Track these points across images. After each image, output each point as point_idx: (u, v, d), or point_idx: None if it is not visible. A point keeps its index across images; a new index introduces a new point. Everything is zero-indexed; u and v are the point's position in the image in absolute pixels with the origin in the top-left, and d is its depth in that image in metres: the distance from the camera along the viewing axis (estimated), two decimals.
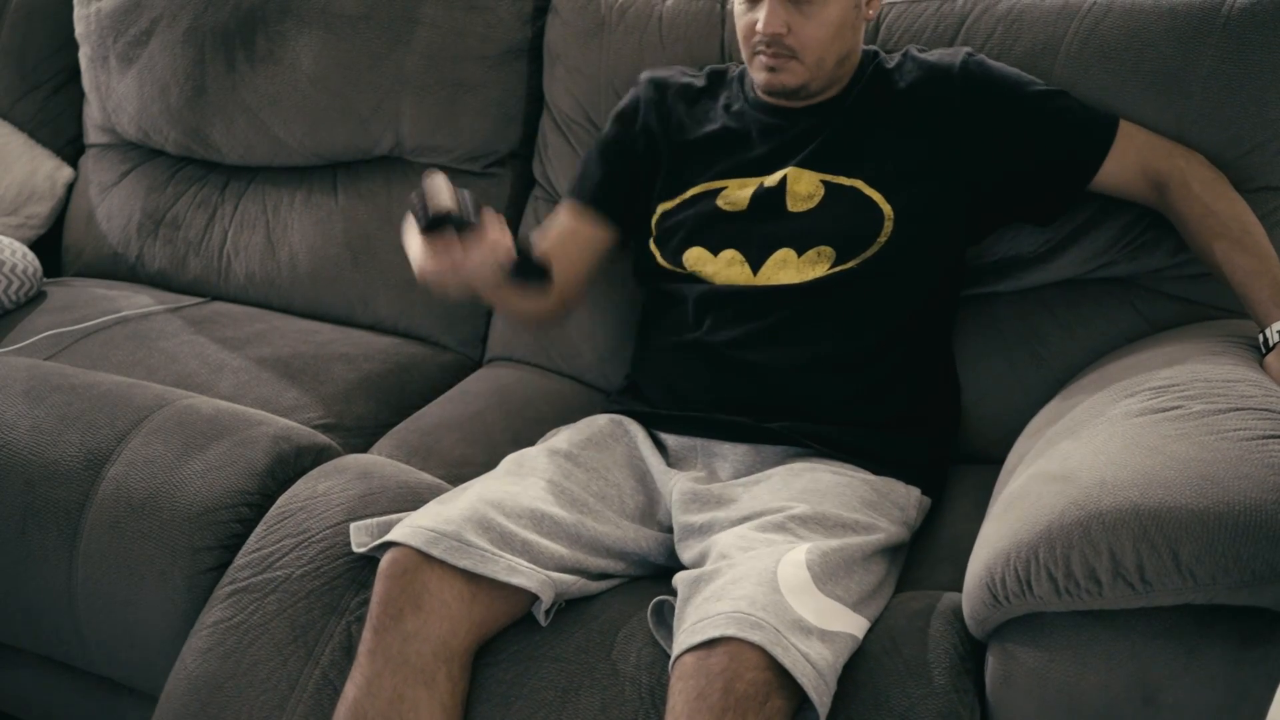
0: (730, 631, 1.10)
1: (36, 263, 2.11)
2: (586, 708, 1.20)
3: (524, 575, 1.24)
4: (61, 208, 2.34)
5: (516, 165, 2.00)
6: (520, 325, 1.89)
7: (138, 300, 2.08)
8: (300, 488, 1.47)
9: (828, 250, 1.48)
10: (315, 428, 1.69)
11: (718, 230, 1.54)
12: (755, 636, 1.10)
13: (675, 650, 1.14)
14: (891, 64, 1.57)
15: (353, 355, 1.87)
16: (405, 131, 2.01)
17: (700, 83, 1.66)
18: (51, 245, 2.31)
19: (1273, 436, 1.08)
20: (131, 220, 2.24)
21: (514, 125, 1.98)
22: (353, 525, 1.36)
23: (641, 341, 1.64)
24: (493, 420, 1.68)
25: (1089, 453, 1.14)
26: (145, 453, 1.53)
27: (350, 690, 1.21)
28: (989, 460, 1.51)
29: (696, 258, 1.55)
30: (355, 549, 1.34)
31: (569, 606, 1.29)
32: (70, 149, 2.38)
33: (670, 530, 1.37)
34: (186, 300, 2.12)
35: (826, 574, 1.20)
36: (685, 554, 1.32)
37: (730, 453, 1.44)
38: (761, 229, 1.52)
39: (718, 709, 1.08)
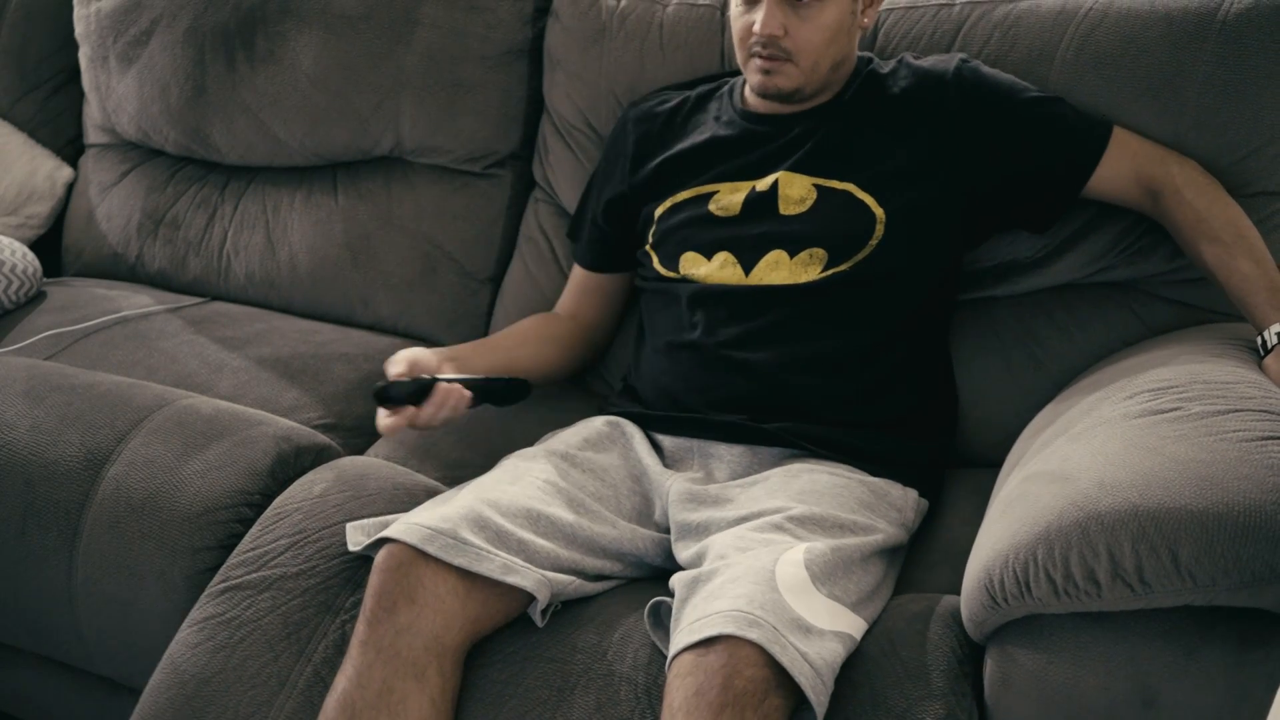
0: (728, 629, 1.10)
1: (36, 263, 2.11)
2: (581, 707, 1.20)
3: (519, 574, 1.24)
4: (61, 208, 2.34)
5: (517, 166, 2.00)
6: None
7: (138, 300, 2.08)
8: (295, 490, 1.47)
9: (820, 252, 1.49)
10: (315, 428, 1.69)
11: (711, 234, 1.55)
12: (753, 634, 1.10)
13: (673, 649, 1.14)
14: (886, 70, 1.58)
15: (353, 355, 1.88)
16: (405, 132, 2.02)
17: (688, 99, 1.67)
18: (51, 245, 2.31)
19: (1272, 438, 1.08)
20: (131, 220, 2.24)
21: (514, 126, 1.98)
22: (348, 525, 1.36)
23: (638, 344, 1.64)
24: (490, 422, 1.68)
25: (1087, 454, 1.14)
26: (145, 453, 1.54)
27: (340, 681, 1.21)
28: (987, 464, 1.51)
29: (691, 262, 1.55)
30: (351, 548, 1.34)
31: (565, 608, 1.29)
32: (70, 149, 2.38)
33: (667, 532, 1.37)
34: (186, 300, 2.12)
35: (825, 574, 1.20)
36: (682, 554, 1.32)
37: (727, 454, 1.45)
38: (754, 232, 1.52)
39: (716, 705, 1.08)
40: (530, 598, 1.26)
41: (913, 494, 1.42)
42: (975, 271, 1.63)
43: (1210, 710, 1.03)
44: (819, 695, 1.11)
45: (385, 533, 1.28)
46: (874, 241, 1.48)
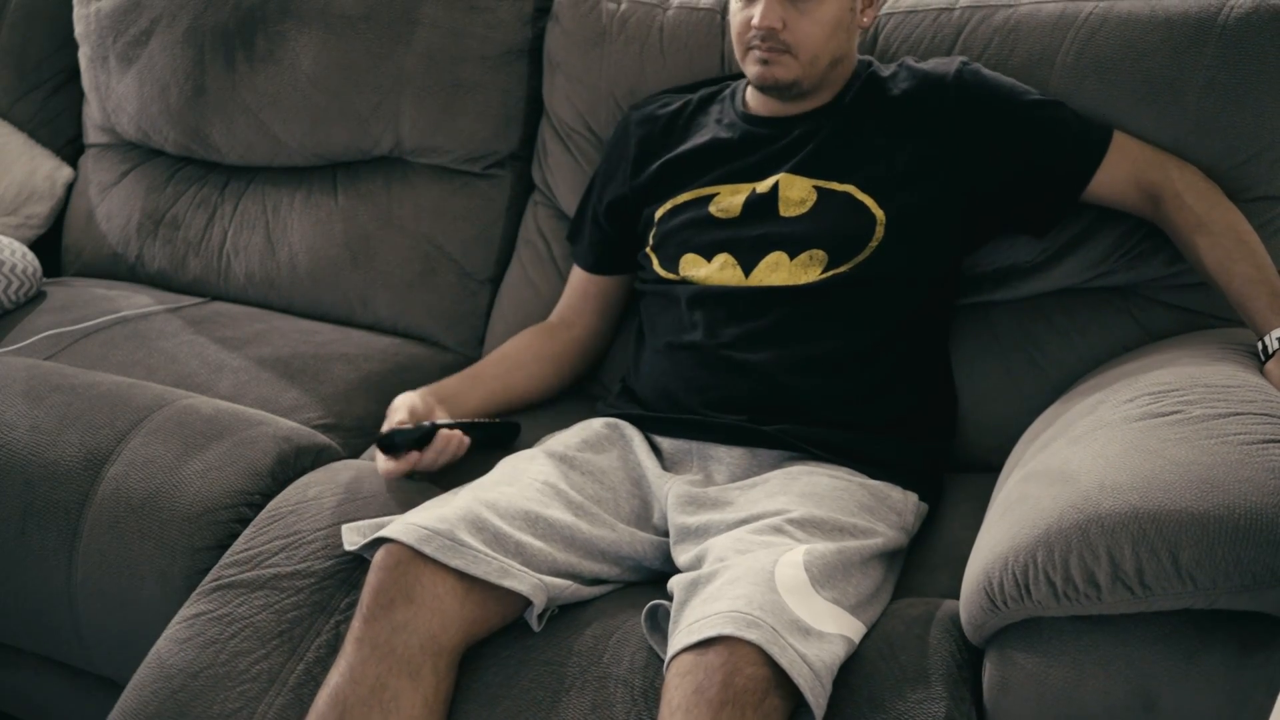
0: (728, 630, 1.10)
1: (36, 263, 2.11)
2: (576, 709, 1.20)
3: (516, 578, 1.24)
4: (61, 208, 2.33)
5: (517, 167, 2.00)
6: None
7: (137, 300, 2.08)
8: (290, 493, 1.47)
9: (820, 254, 1.49)
10: (315, 428, 1.69)
11: (711, 236, 1.55)
12: (752, 635, 1.10)
13: (671, 649, 1.14)
14: (886, 73, 1.58)
15: (353, 355, 1.88)
16: (405, 132, 2.02)
17: (690, 102, 1.68)
18: (51, 245, 2.31)
19: (1273, 441, 1.08)
20: (131, 220, 2.24)
21: (514, 126, 1.98)
22: (344, 526, 1.36)
23: (637, 345, 1.64)
24: None
25: (1088, 456, 1.14)
26: (145, 453, 1.54)
27: (333, 676, 1.20)
28: (986, 468, 1.51)
29: (691, 263, 1.55)
30: (347, 548, 1.33)
31: (562, 612, 1.29)
32: (70, 149, 2.38)
33: (665, 534, 1.37)
34: (186, 300, 2.12)
35: (824, 576, 1.20)
36: (681, 556, 1.31)
37: (726, 456, 1.45)
38: (754, 233, 1.52)
39: (716, 703, 1.08)
40: (527, 601, 1.26)
41: (913, 497, 1.42)
42: (975, 276, 1.63)
43: (1210, 714, 1.03)
44: (817, 697, 1.11)
45: (382, 532, 1.28)
46: (874, 243, 1.48)
